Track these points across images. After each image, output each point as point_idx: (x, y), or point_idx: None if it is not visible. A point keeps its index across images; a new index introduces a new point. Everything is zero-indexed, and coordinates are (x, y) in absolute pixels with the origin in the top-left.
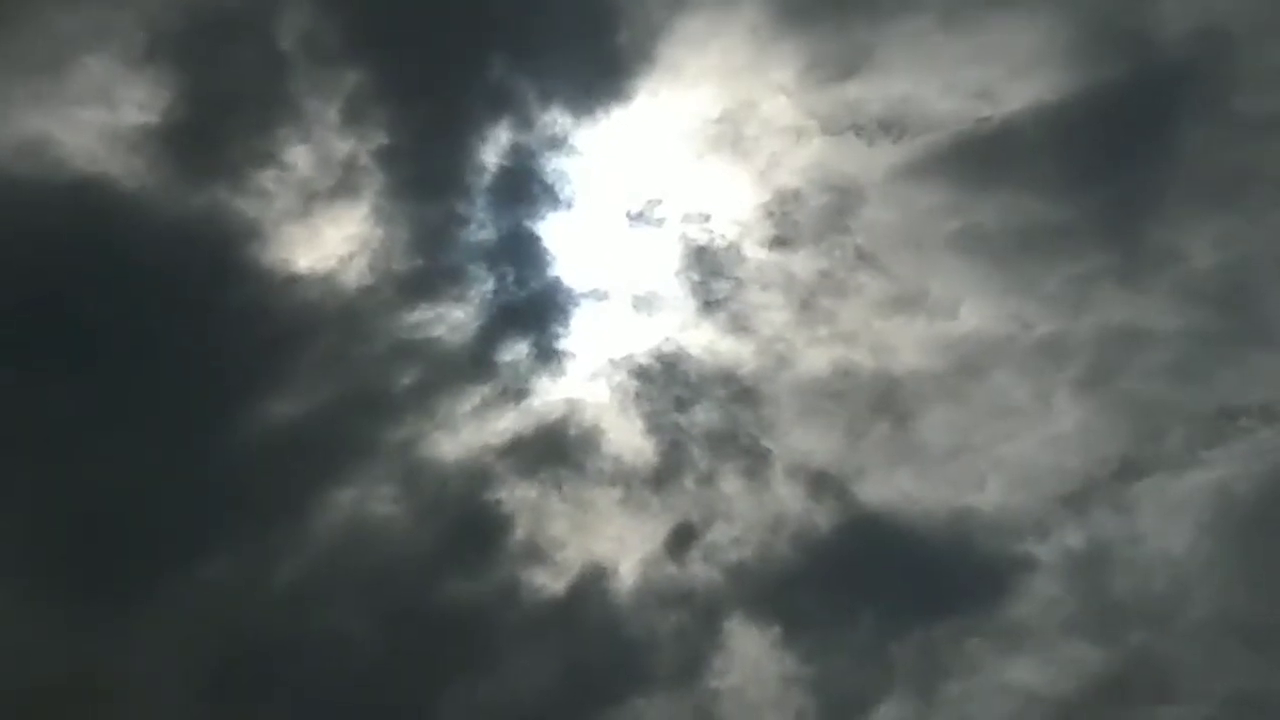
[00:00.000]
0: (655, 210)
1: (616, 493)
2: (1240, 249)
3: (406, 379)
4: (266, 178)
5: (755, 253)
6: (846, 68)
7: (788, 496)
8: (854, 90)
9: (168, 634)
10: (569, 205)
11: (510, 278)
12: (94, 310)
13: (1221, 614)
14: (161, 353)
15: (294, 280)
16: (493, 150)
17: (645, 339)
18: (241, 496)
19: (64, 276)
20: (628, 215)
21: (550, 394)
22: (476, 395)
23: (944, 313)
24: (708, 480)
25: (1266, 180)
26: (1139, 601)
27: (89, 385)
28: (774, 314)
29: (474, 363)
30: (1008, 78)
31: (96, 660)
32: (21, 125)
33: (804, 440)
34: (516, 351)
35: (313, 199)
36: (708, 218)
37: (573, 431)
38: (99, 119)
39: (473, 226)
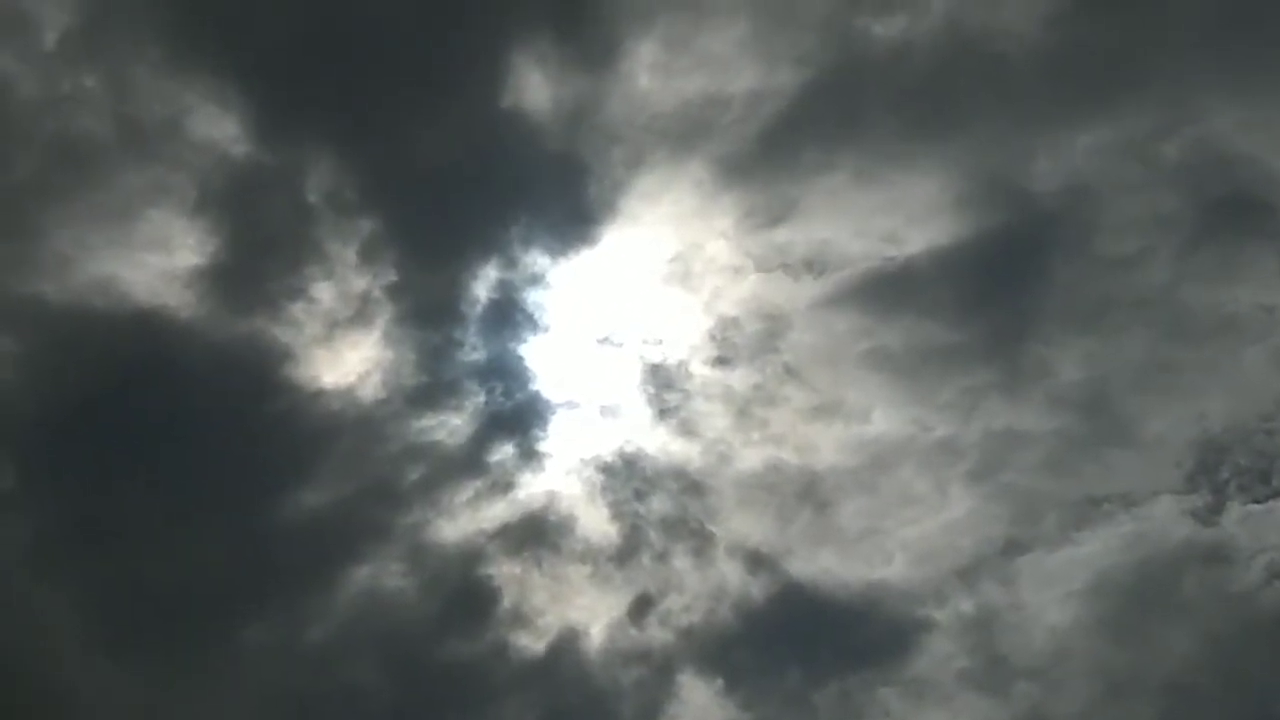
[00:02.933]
0: (618, 334)
1: (587, 569)
2: (1101, 364)
3: (414, 475)
4: (297, 309)
5: (701, 369)
6: (776, 216)
7: (729, 571)
8: (782, 235)
9: (217, 688)
10: (546, 330)
11: (499, 391)
12: (155, 420)
13: (1092, 668)
14: (211, 454)
15: (320, 394)
16: (483, 285)
17: (610, 441)
18: (277, 572)
19: (131, 391)
20: (595, 339)
21: (532, 487)
22: (471, 488)
23: (858, 418)
24: (662, 558)
25: (1123, 308)
26: (1022, 658)
27: (151, 482)
28: (716, 420)
29: (469, 461)
30: (909, 224)
31: (159, 710)
32: (96, 268)
33: (742, 525)
34: (504, 452)
35: (335, 326)
36: (661, 341)
37: (551, 518)
38: (159, 262)
39: (467, 349)
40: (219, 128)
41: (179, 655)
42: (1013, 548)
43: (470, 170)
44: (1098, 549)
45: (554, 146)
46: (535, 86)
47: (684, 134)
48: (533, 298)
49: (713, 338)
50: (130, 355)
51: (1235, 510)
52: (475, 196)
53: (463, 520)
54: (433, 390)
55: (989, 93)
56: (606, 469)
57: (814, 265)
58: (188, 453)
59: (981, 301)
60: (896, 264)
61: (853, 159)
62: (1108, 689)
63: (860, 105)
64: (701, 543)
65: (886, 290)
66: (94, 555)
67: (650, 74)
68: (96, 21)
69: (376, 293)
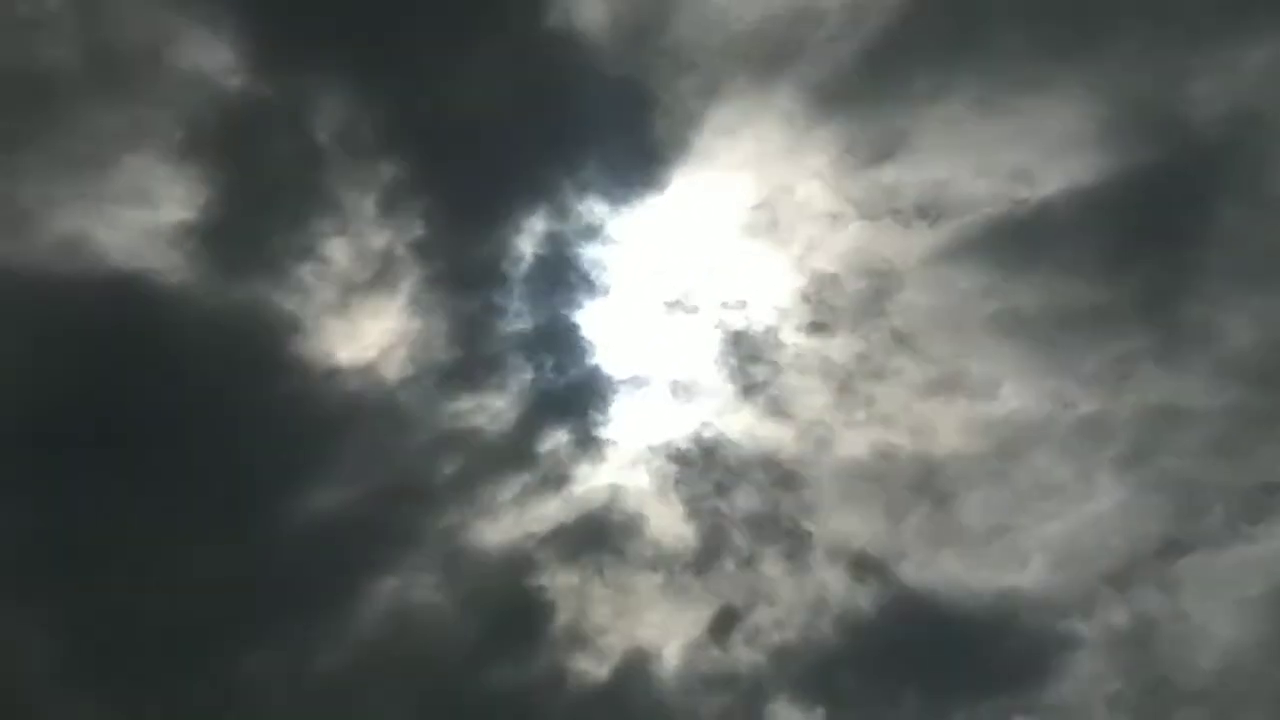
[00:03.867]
0: (692, 297)
1: (658, 578)
2: (1277, 327)
3: (448, 468)
4: (305, 271)
5: (793, 337)
6: (881, 152)
7: (829, 578)
8: (889, 175)
9: None
10: (606, 293)
11: (549, 366)
12: (136, 404)
13: (1270, 688)
14: (204, 445)
15: (334, 373)
16: (529, 240)
17: (684, 425)
18: (284, 586)
19: (106, 371)
20: (665, 302)
21: (591, 481)
22: (518, 483)
23: (983, 394)
24: (749, 564)
25: None
26: (1186, 679)
27: (131, 478)
28: (813, 398)
29: (514, 451)
30: (1043, 160)
31: None
32: (63, 224)
33: (845, 522)
34: (556, 439)
35: (351, 292)
36: (744, 304)
37: (614, 518)
38: (139, 216)
39: (510, 316)
40: (208, 56)
41: (165, 688)
42: (1173, 547)
43: (512, 103)
44: (1276, 547)
45: (613, 72)
46: (588, 0)
47: (769, 56)
48: (589, 254)
49: (806, 299)
50: (106, 329)
51: None
52: (518, 134)
53: (508, 522)
54: (470, 366)
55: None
56: (680, 458)
57: (928, 211)
58: (176, 446)
59: (1132, 253)
60: (1028, 208)
61: (973, 83)
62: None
63: (981, 17)
64: (796, 545)
65: (1017, 240)
66: (64, 570)
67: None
68: None
69: (400, 250)
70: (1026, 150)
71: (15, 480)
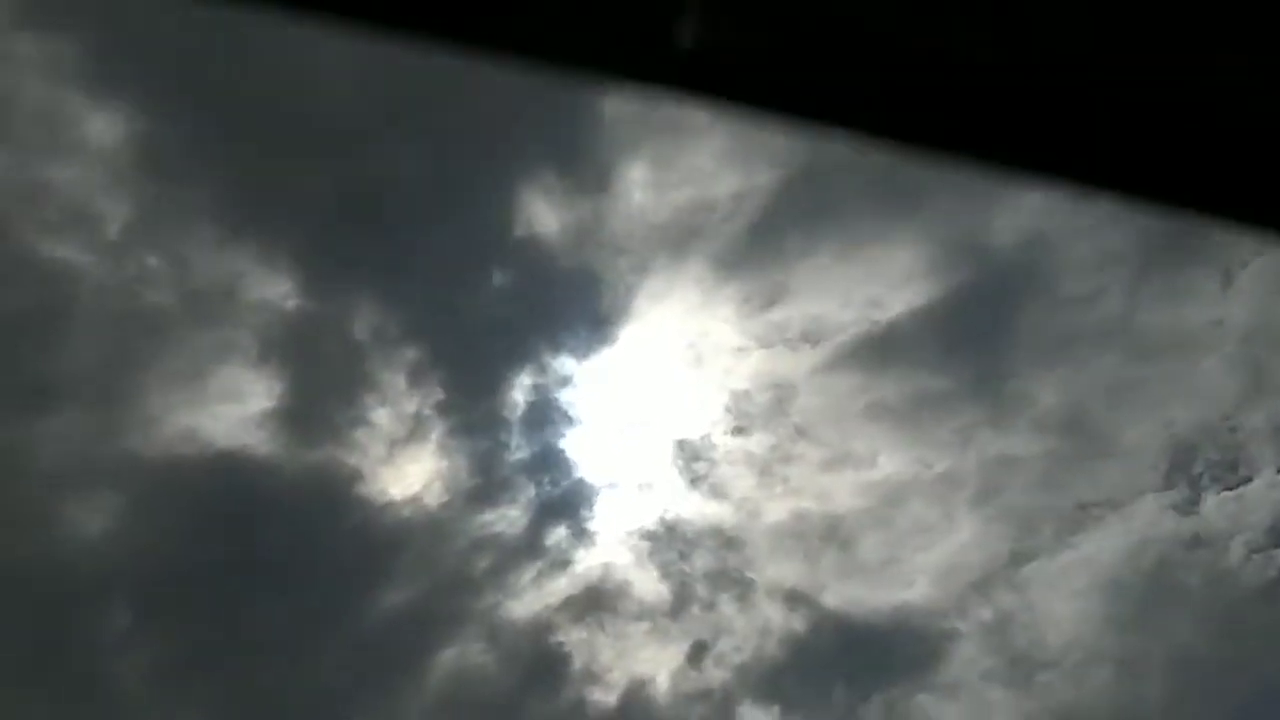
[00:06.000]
0: (645, 417)
1: (645, 625)
2: (1075, 390)
3: (482, 564)
4: (359, 434)
5: (722, 439)
6: (771, 299)
7: (771, 611)
8: (778, 314)
9: None
10: (581, 423)
11: (546, 481)
12: (242, 546)
13: (1103, 654)
14: (296, 569)
15: (389, 506)
16: (520, 392)
17: (651, 512)
18: (374, 667)
19: (223, 525)
20: (626, 424)
21: (588, 561)
22: (533, 569)
23: (866, 465)
24: (710, 607)
25: (1087, 338)
26: (1040, 653)
27: (249, 603)
28: (741, 481)
29: (528, 546)
30: (889, 290)
31: None
32: (179, 421)
33: (777, 569)
34: (558, 534)
35: (394, 445)
36: (683, 418)
37: (608, 586)
38: (233, 410)
39: (513, 449)
40: (271, 288)
41: None
42: (1018, 558)
43: (496, 294)
44: (1094, 550)
45: (567, 264)
46: (543, 215)
47: (680, 238)
48: (565, 396)
49: (728, 410)
50: (218, 493)
51: (1211, 500)
52: (503, 317)
53: (529, 598)
54: (488, 489)
55: (943, 173)
56: (651, 536)
57: (810, 336)
58: (275, 572)
59: (962, 349)
60: (882, 326)
61: (833, 241)
62: (1119, 670)
63: (836, 193)
64: (743, 589)
65: (877, 350)
66: (209, 676)
67: (643, 191)
68: (152, 210)
69: (427, 411)
70: (876, 284)
71: (161, 611)
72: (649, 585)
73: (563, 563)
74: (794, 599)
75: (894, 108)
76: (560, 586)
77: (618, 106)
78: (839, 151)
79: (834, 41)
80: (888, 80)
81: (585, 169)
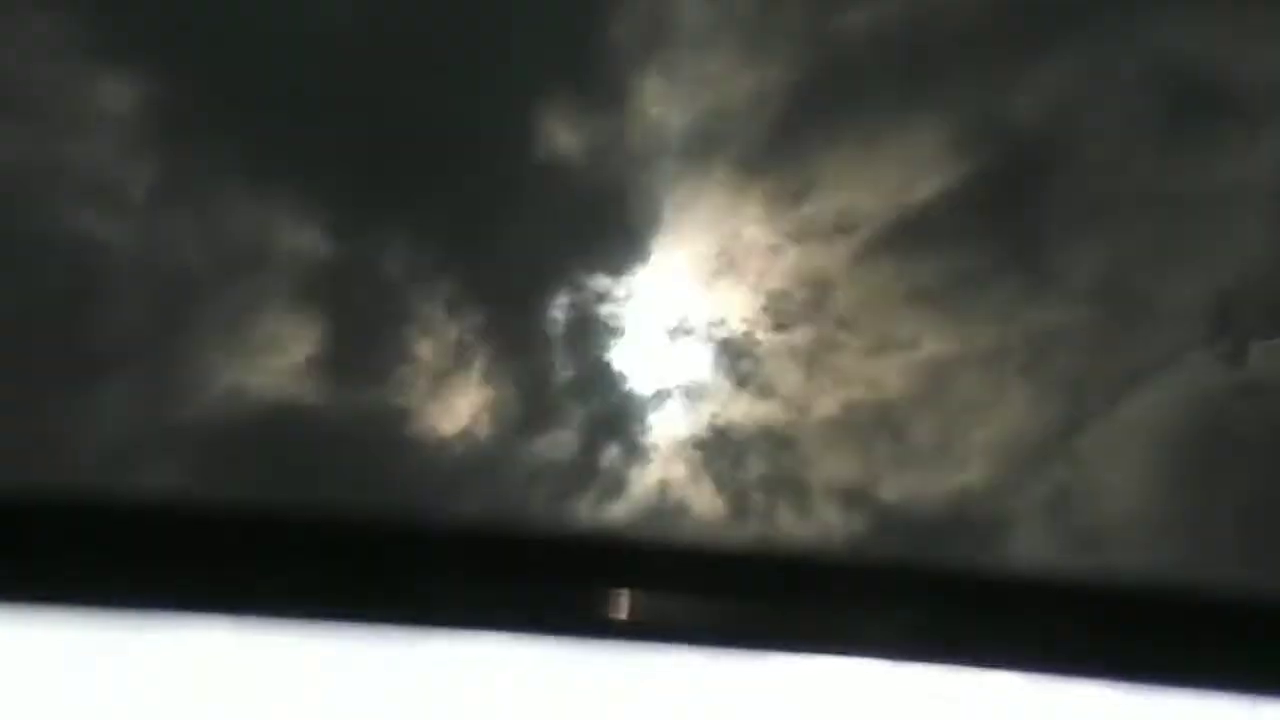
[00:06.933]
0: (686, 324)
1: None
2: (1110, 256)
3: (539, 495)
4: (403, 372)
5: (765, 338)
6: (799, 195)
7: (829, 514)
8: (808, 209)
9: None
10: (623, 335)
11: (594, 400)
12: (298, 498)
13: (1167, 516)
14: (353, 518)
15: (441, 443)
16: (559, 312)
17: (701, 420)
18: None
19: (278, 483)
20: (668, 333)
21: (643, 481)
22: (590, 496)
23: (910, 348)
24: (768, 517)
25: (1119, 205)
26: (1103, 524)
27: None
28: (789, 378)
29: (583, 471)
30: (917, 175)
31: None
32: (224, 380)
33: (832, 467)
34: (611, 455)
35: (439, 379)
36: (724, 321)
37: (666, 506)
38: (276, 361)
39: (558, 369)
40: (301, 235)
41: None
42: (1071, 429)
43: (524, 216)
44: (1146, 412)
45: (591, 182)
46: (563, 137)
47: (701, 145)
48: (604, 312)
49: (767, 309)
50: (272, 449)
51: (1257, 349)
52: (534, 240)
53: (588, 525)
54: (537, 415)
55: (960, 51)
56: (703, 446)
57: (842, 228)
58: (339, 527)
59: (995, 225)
60: (914, 211)
61: (855, 132)
62: (1185, 530)
63: (850, 86)
64: (800, 493)
65: (910, 235)
66: None
67: (659, 103)
68: (174, 172)
69: (469, 339)
70: (903, 170)
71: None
72: (705, 500)
73: (618, 485)
74: (851, 497)
75: None
76: (619, 511)
77: (620, 24)
78: (852, 44)
79: None
80: None
81: (597, 88)
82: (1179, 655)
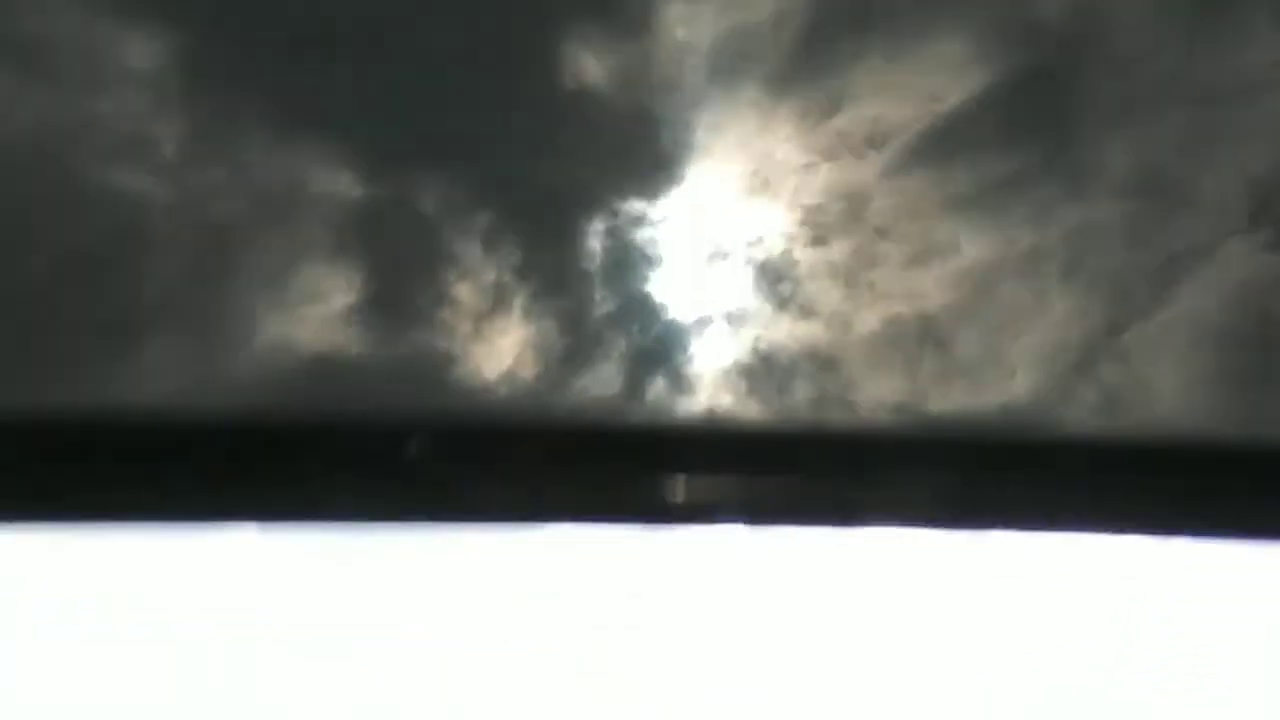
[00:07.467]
0: (723, 247)
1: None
2: (1145, 148)
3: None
4: (443, 314)
5: (803, 255)
6: (829, 110)
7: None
8: (839, 123)
9: None
10: (660, 262)
11: (636, 330)
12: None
13: (1217, 413)
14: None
15: (485, 386)
16: (595, 241)
17: (744, 344)
18: None
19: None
20: (705, 256)
21: (689, 409)
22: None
23: (950, 254)
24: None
25: (1149, 97)
26: (1153, 421)
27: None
28: (829, 294)
29: (629, 404)
30: (947, 82)
31: None
32: (268, 332)
33: (878, 386)
34: (657, 386)
35: (480, 320)
36: (761, 240)
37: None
38: (318, 310)
39: (598, 302)
40: (335, 180)
41: None
42: (1116, 327)
43: (556, 148)
44: (1191, 304)
45: (620, 109)
46: (589, 66)
47: (728, 67)
48: (641, 239)
49: (804, 225)
50: (317, 397)
51: None
52: (566, 170)
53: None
54: (579, 349)
55: None
56: (747, 370)
57: (874, 141)
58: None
59: (1027, 127)
60: (944, 118)
61: (881, 43)
62: (1241, 428)
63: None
64: (847, 414)
65: (943, 143)
66: None
67: (683, 26)
68: (205, 125)
69: (507, 278)
70: (932, 78)
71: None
72: (753, 426)
73: (667, 414)
74: (899, 414)
75: None
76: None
77: None
78: None
79: None
80: None
81: (620, 15)
82: (1232, 505)
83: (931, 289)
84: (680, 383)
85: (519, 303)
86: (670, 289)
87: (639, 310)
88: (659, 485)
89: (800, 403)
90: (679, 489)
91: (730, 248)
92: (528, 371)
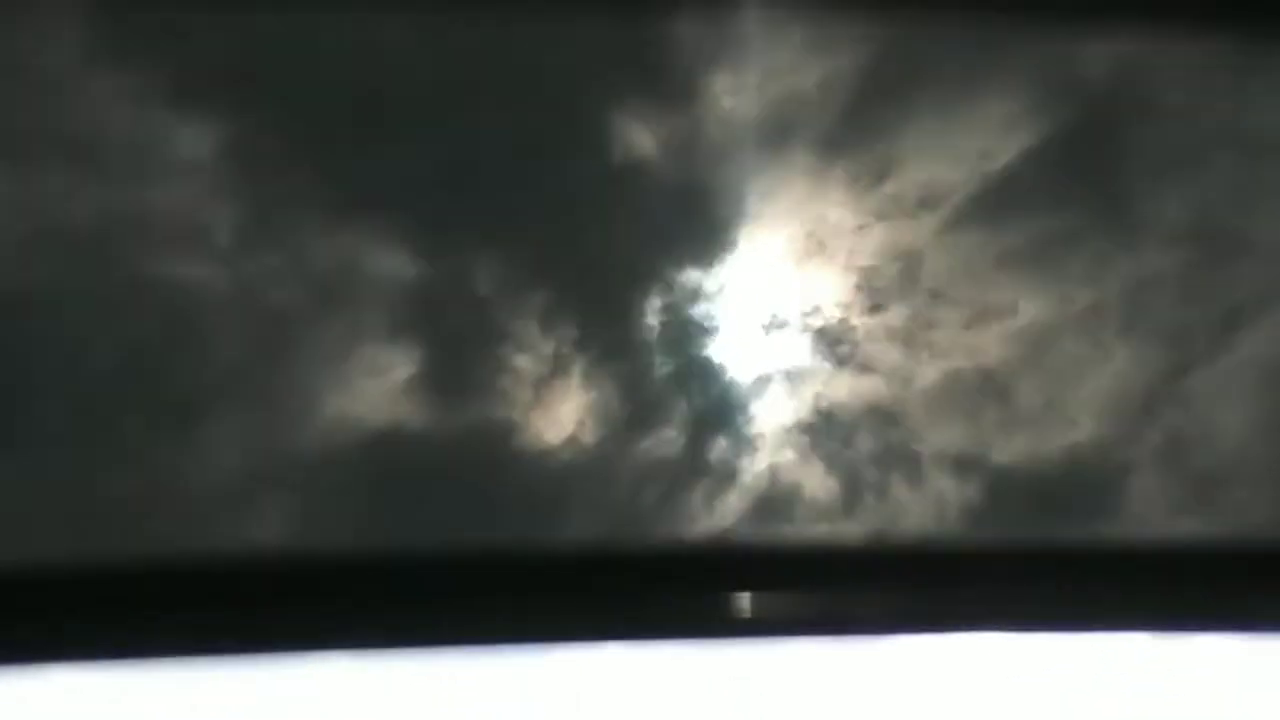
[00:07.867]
0: (781, 313)
1: (823, 527)
2: (1198, 199)
3: (650, 495)
4: (504, 385)
5: (860, 319)
6: (881, 173)
7: (942, 483)
8: (892, 186)
9: None
10: (718, 329)
11: (696, 393)
12: (415, 521)
13: (1264, 445)
14: (478, 542)
15: (548, 450)
16: (652, 311)
17: (804, 403)
18: None
19: (390, 510)
20: (762, 326)
21: (753, 469)
22: (702, 489)
23: (1007, 313)
24: (882, 492)
25: (1198, 148)
26: (1218, 469)
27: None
28: (888, 355)
29: (693, 465)
30: (997, 141)
31: None
32: (329, 409)
33: (940, 437)
34: (719, 447)
35: (540, 388)
36: (818, 308)
37: (777, 492)
38: (377, 386)
39: (657, 367)
40: (390, 261)
41: None
42: (1177, 373)
43: (610, 223)
44: (1251, 350)
45: (672, 180)
46: (640, 139)
47: (778, 134)
48: (697, 307)
49: (860, 289)
50: (380, 473)
51: None
52: (621, 243)
53: (704, 522)
54: (640, 413)
55: (1024, 13)
56: (810, 429)
57: (926, 202)
58: (459, 549)
59: (1079, 182)
60: (996, 177)
61: (929, 105)
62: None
63: (920, 62)
64: (911, 465)
65: (995, 201)
66: None
67: (731, 96)
68: (257, 211)
69: (565, 349)
70: (982, 138)
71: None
72: (817, 481)
73: (729, 475)
74: (963, 465)
75: None
76: (732, 503)
77: (684, 25)
78: (915, 20)
79: None
80: None
81: (669, 88)
82: None
83: (991, 346)
84: (743, 444)
85: (578, 371)
86: (728, 355)
87: (697, 374)
88: (723, 602)
89: (864, 458)
90: (745, 605)
91: (787, 316)
92: (590, 437)
